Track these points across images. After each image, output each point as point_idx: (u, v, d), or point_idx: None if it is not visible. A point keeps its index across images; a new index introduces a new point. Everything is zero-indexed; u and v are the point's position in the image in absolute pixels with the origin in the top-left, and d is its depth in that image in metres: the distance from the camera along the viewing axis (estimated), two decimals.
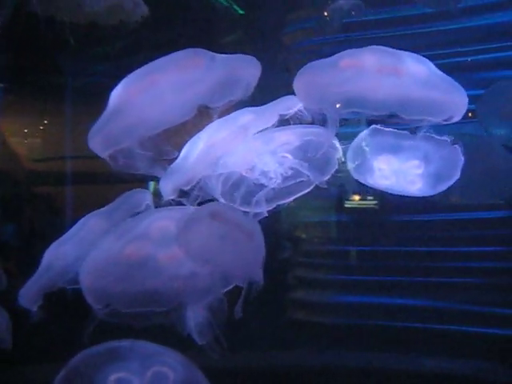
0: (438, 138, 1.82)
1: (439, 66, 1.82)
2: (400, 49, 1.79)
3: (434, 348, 4.32)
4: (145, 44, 4.14)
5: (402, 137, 1.83)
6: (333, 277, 5.33)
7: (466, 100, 1.77)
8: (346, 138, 1.86)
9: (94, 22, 2.86)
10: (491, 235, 4.70)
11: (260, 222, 1.79)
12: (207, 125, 1.77)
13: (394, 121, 1.77)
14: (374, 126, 1.84)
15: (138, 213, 1.84)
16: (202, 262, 1.62)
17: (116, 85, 1.72)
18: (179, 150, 1.77)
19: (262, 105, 1.83)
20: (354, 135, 1.89)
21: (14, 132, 5.04)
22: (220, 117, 1.75)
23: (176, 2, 4.32)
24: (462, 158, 1.82)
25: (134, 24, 2.87)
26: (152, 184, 2.11)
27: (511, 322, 4.47)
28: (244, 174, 1.78)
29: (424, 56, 1.82)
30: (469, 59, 4.66)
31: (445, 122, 1.78)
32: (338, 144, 1.84)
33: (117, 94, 1.69)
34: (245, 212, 1.78)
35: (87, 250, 1.72)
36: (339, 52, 1.78)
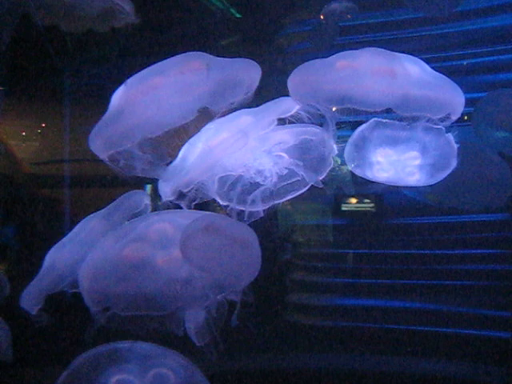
0: (434, 126, 1.82)
1: (435, 70, 1.83)
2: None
3: (430, 350, 4.33)
4: (142, 47, 4.15)
5: (399, 128, 1.83)
6: (330, 280, 5.32)
7: (463, 98, 1.78)
8: (342, 139, 1.86)
9: (88, 28, 2.88)
10: (487, 238, 4.71)
11: (257, 225, 1.79)
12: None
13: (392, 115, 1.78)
14: (374, 119, 1.84)
15: (137, 213, 1.85)
16: (200, 271, 1.62)
17: (114, 87, 1.73)
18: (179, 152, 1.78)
19: (257, 106, 1.83)
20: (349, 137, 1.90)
21: (12, 135, 5.04)
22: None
23: (174, 5, 4.32)
24: (456, 146, 1.83)
25: (128, 28, 2.88)
26: (148, 187, 2.11)
27: (507, 324, 4.48)
28: (240, 173, 1.78)
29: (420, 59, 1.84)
30: (464, 63, 4.68)
31: (444, 121, 1.78)
32: (333, 143, 1.84)
33: (118, 97, 1.70)
34: (241, 211, 1.79)
35: (87, 251, 1.72)
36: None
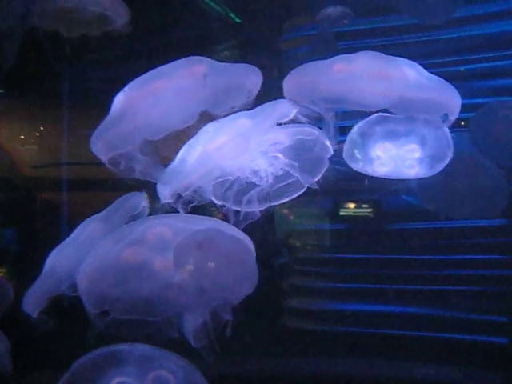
0: (431, 118, 1.83)
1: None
2: None
3: (426, 356, 4.33)
4: (141, 51, 4.16)
5: (397, 122, 1.84)
6: (327, 284, 5.33)
7: (459, 99, 1.80)
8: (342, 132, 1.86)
9: (86, 32, 2.90)
10: (485, 243, 4.72)
11: (254, 229, 1.79)
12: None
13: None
14: (375, 115, 1.85)
15: (135, 216, 1.85)
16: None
17: (113, 91, 1.74)
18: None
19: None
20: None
21: (11, 138, 5.04)
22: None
23: (173, 10, 4.34)
24: (450, 137, 1.84)
25: (126, 33, 2.90)
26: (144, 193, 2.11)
27: (502, 329, 4.49)
28: (237, 174, 1.79)
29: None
30: (462, 69, 4.70)
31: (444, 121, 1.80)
32: (329, 144, 1.84)
33: (120, 99, 1.72)
34: (237, 211, 1.79)
35: (87, 253, 1.72)
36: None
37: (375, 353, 4.45)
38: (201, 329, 1.70)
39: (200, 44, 4.39)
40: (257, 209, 1.83)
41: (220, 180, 1.81)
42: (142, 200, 1.89)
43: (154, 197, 1.82)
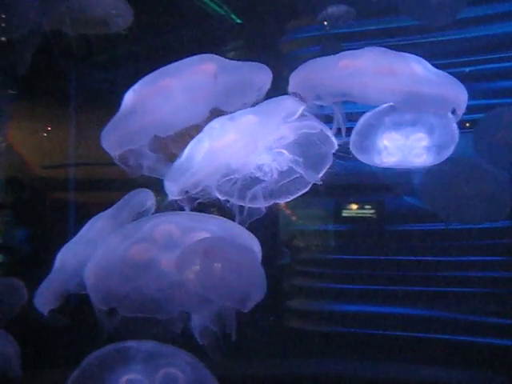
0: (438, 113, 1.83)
1: None
2: None
3: (429, 357, 4.33)
4: (146, 52, 4.18)
5: (404, 112, 1.84)
6: (329, 285, 5.33)
7: (465, 94, 1.80)
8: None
9: (93, 33, 2.91)
10: (489, 245, 4.72)
11: (258, 229, 1.79)
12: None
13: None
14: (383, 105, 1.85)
15: (143, 212, 1.86)
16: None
17: (120, 91, 1.75)
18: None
19: None
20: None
21: (20, 138, 5.07)
22: None
23: (176, 11, 4.35)
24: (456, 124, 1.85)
25: (131, 34, 2.92)
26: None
27: (506, 331, 4.49)
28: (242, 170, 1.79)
29: None
30: (467, 70, 4.71)
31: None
32: (333, 139, 1.84)
33: (131, 96, 1.73)
34: (241, 206, 1.80)
35: (96, 250, 1.73)
36: None
37: (377, 354, 4.46)
38: (207, 326, 1.70)
39: (201, 45, 4.40)
40: (261, 205, 1.84)
41: (226, 178, 1.81)
42: (149, 197, 1.89)
43: (161, 194, 1.82)
